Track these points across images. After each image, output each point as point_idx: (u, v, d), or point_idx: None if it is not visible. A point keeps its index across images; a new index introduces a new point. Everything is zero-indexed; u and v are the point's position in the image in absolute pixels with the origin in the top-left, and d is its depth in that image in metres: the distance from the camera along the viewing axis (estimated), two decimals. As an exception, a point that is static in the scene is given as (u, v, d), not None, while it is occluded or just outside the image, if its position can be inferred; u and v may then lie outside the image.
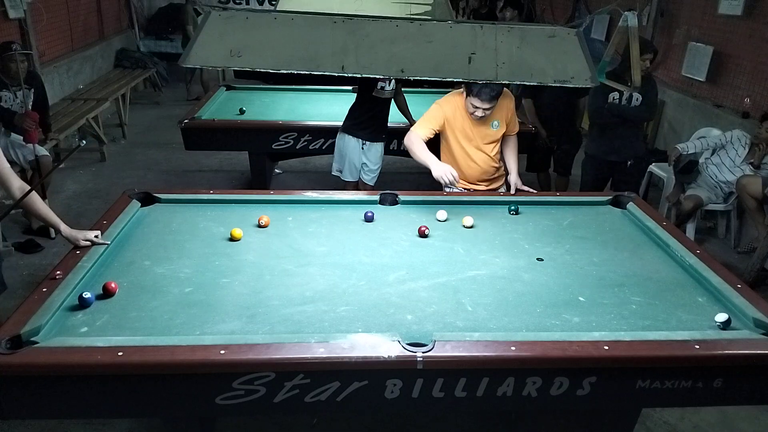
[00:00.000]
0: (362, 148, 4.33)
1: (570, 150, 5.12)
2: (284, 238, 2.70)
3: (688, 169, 4.75)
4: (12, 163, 4.47)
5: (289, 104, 5.55)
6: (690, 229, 4.69)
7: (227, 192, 3.43)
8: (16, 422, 2.72)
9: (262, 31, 2.02)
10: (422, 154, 3.32)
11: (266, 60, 2.03)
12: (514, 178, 3.49)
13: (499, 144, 3.52)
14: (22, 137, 4.40)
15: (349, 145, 4.31)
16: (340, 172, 4.44)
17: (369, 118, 4.26)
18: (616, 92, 4.17)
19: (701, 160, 4.82)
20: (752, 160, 4.47)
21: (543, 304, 2.23)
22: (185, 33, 8.45)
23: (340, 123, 4.45)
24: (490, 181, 3.59)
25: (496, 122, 3.42)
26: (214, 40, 2.02)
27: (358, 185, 4.45)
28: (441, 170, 3.22)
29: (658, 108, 5.68)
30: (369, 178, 4.43)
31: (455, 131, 3.42)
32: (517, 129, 3.59)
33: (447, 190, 3.39)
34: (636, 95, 4.24)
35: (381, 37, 2.03)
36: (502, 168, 3.63)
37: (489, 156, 3.47)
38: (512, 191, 3.40)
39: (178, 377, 1.85)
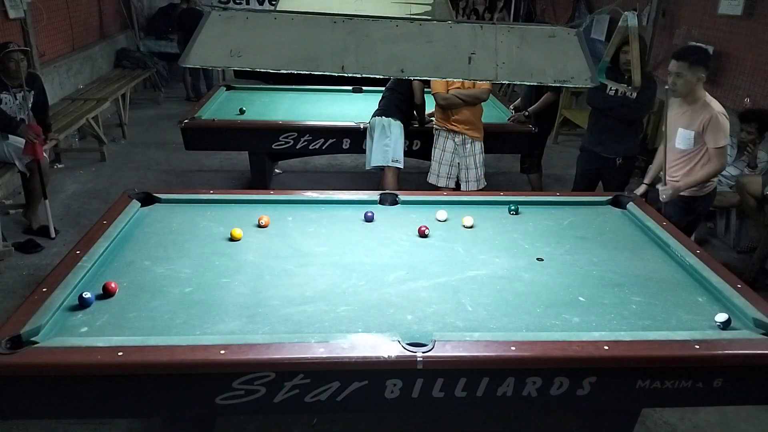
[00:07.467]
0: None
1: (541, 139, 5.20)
2: (284, 238, 2.70)
3: None
4: (7, 163, 4.48)
5: (289, 104, 5.55)
6: (690, 229, 4.68)
7: (227, 192, 3.43)
8: (16, 422, 2.72)
9: (262, 31, 2.02)
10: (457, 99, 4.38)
11: (266, 60, 2.02)
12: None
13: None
14: (22, 144, 4.36)
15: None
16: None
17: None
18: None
19: None
20: (745, 160, 4.48)
21: (543, 304, 2.23)
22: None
23: (340, 123, 4.41)
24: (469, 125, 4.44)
25: None
26: (214, 40, 2.01)
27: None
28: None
29: (655, 107, 5.59)
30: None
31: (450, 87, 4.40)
32: (485, 86, 4.39)
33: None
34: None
35: (381, 37, 2.03)
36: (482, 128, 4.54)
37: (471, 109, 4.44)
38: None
39: (178, 377, 1.85)
